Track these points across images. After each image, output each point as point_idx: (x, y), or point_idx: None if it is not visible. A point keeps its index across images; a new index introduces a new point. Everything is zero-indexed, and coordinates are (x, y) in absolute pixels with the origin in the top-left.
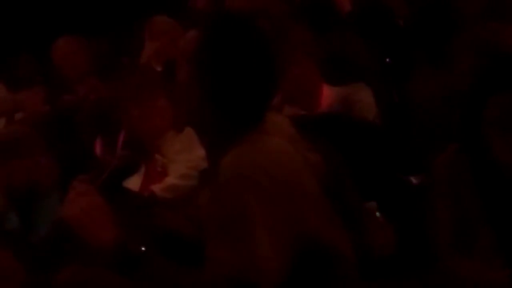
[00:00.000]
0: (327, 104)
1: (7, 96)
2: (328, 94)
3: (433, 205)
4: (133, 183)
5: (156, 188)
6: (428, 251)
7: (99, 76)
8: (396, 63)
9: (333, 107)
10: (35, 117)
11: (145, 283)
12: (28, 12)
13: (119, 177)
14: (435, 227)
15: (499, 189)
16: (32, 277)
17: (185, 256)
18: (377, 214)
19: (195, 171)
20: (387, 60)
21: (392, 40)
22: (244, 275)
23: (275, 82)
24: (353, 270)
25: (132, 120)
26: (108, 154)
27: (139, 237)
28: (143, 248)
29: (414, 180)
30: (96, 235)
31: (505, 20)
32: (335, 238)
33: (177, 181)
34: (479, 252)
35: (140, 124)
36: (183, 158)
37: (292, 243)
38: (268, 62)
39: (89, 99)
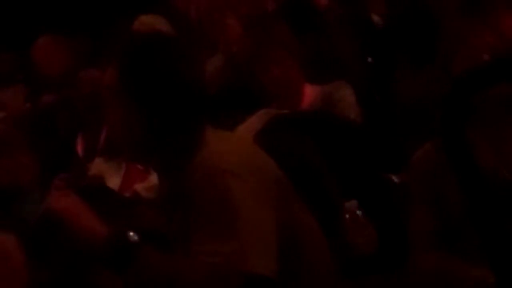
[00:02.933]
0: (309, 102)
1: None
2: (310, 93)
3: (411, 203)
4: (113, 182)
5: (140, 187)
6: (409, 249)
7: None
8: (377, 61)
9: (315, 105)
10: (16, 116)
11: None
12: (9, 10)
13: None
14: (414, 225)
15: (481, 189)
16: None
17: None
18: (358, 212)
19: None
20: (369, 59)
21: (373, 39)
22: (235, 264)
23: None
24: (330, 262)
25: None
26: (89, 153)
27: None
28: (136, 238)
29: (395, 178)
30: (89, 227)
31: (483, 17)
32: (313, 226)
33: None
34: (461, 251)
35: None
36: None
37: (277, 233)
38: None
39: (70, 97)
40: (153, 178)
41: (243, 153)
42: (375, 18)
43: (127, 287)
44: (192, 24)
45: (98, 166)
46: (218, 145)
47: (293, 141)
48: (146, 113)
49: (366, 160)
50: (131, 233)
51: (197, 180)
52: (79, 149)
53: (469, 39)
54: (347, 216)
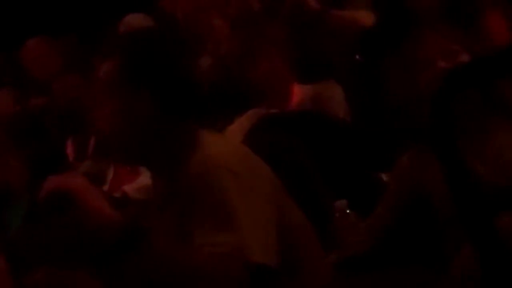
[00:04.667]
0: (298, 102)
1: None
2: (299, 92)
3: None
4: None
5: (129, 188)
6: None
7: (69, 76)
8: (366, 59)
9: (304, 105)
10: (4, 119)
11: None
12: None
13: None
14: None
15: (469, 192)
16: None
17: None
18: (348, 211)
19: None
20: (357, 57)
21: (360, 37)
22: (239, 254)
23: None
24: (323, 261)
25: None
26: (79, 155)
27: None
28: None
29: (384, 177)
30: (101, 207)
31: (461, 18)
32: (305, 225)
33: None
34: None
35: None
36: None
37: (276, 227)
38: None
39: (59, 100)
40: (142, 179)
41: (237, 153)
42: None
43: (133, 273)
44: (179, 25)
45: (87, 168)
46: (212, 146)
47: (282, 141)
48: (149, 100)
49: (356, 159)
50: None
51: (195, 178)
52: (69, 151)
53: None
54: (337, 215)
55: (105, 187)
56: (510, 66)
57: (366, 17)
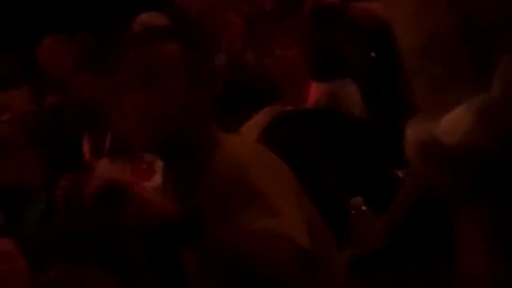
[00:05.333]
0: (314, 99)
1: None
2: (315, 90)
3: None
4: None
5: (146, 186)
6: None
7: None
8: (381, 57)
9: (320, 103)
10: (21, 117)
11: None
12: (13, 11)
13: None
14: None
15: None
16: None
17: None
18: (364, 208)
19: None
20: (372, 54)
21: (375, 34)
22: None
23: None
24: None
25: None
26: (95, 153)
27: None
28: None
29: (400, 174)
30: (157, 201)
31: None
32: (321, 221)
33: None
34: None
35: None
36: None
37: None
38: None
39: (76, 98)
40: (158, 178)
41: (259, 150)
42: None
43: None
44: (194, 23)
45: (104, 166)
46: (232, 144)
47: (298, 138)
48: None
49: (372, 156)
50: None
51: (225, 172)
52: (85, 149)
53: None
54: (353, 212)
55: None
56: None
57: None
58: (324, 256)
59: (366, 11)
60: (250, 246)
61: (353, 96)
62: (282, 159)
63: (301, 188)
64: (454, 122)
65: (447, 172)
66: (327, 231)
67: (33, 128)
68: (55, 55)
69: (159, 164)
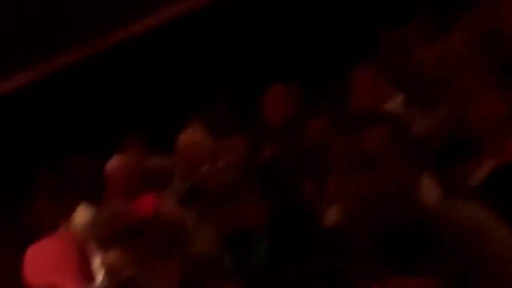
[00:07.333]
0: None
1: (212, 143)
2: None
3: None
4: None
5: None
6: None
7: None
8: None
9: None
10: (243, 165)
11: None
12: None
13: None
14: None
15: None
16: None
17: None
18: None
19: None
20: None
21: None
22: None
23: None
24: None
25: None
26: (317, 197)
27: None
28: None
29: None
30: None
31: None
32: None
33: None
34: None
35: None
36: None
37: None
38: None
39: (305, 143)
40: None
41: None
42: None
43: None
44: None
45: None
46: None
47: None
48: None
49: None
50: None
51: None
52: (307, 192)
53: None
54: None
55: None
56: None
57: None
58: None
59: None
60: None
61: None
62: None
63: None
64: None
65: None
66: None
67: (255, 174)
68: (279, 103)
69: None
